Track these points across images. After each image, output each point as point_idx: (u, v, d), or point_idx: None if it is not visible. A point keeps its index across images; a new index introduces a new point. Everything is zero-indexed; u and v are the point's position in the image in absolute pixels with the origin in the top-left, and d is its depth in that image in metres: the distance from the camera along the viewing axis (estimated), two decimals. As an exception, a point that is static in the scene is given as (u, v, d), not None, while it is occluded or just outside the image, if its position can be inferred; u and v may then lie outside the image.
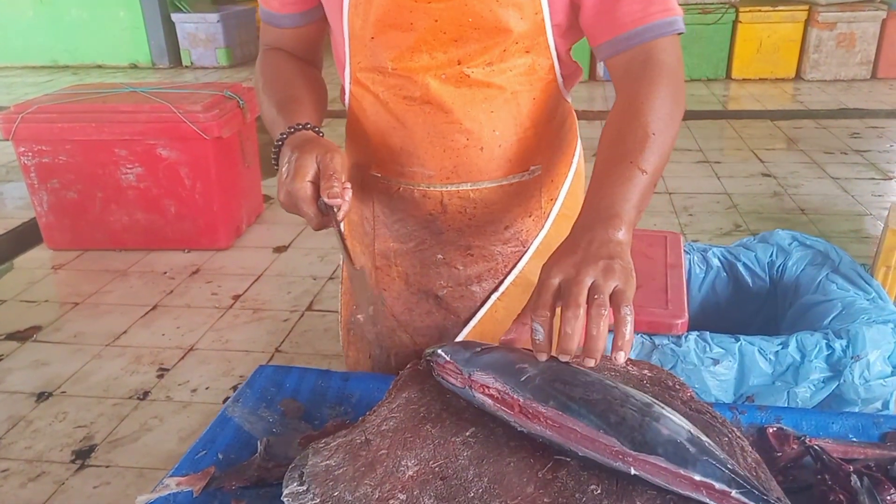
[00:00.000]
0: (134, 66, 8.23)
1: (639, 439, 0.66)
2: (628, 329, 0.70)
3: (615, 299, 0.71)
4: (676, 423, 0.68)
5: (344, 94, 1.07)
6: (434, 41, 0.95)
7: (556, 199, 1.13)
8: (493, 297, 1.13)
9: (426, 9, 0.92)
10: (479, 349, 0.81)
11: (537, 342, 0.73)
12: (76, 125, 3.33)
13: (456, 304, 1.14)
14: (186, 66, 8.18)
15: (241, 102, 3.52)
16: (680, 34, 0.94)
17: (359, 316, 1.16)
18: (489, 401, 0.75)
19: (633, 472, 0.66)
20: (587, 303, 0.71)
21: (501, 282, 1.13)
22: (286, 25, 1.08)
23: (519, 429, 0.73)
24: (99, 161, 3.40)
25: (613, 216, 0.79)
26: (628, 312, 0.70)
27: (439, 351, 0.82)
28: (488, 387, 0.75)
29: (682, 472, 0.64)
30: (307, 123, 0.94)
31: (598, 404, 0.69)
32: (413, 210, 1.08)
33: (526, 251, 1.12)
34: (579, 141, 1.18)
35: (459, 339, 1.13)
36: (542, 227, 1.12)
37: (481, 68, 0.97)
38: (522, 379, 0.73)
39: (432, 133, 1.01)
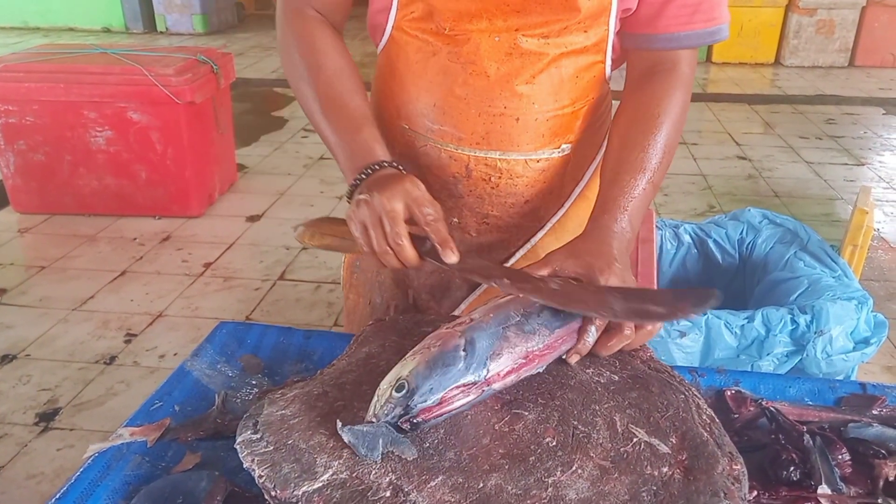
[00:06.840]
0: (107, 31, 8.04)
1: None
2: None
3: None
4: None
5: (379, 35, 1.02)
6: (496, 11, 0.93)
7: (579, 181, 1.12)
8: None
9: None
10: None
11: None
12: (44, 85, 3.24)
13: None
14: (161, 32, 8.00)
15: (214, 67, 3.44)
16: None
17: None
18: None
19: None
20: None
21: (512, 254, 1.11)
22: None
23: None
24: (67, 123, 3.32)
25: (630, 241, 0.90)
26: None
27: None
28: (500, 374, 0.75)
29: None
30: (390, 161, 0.91)
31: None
32: (436, 170, 1.06)
33: (542, 227, 1.11)
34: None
35: (465, 304, 1.11)
36: (562, 206, 1.11)
37: (536, 39, 0.95)
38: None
39: (471, 95, 0.98)
